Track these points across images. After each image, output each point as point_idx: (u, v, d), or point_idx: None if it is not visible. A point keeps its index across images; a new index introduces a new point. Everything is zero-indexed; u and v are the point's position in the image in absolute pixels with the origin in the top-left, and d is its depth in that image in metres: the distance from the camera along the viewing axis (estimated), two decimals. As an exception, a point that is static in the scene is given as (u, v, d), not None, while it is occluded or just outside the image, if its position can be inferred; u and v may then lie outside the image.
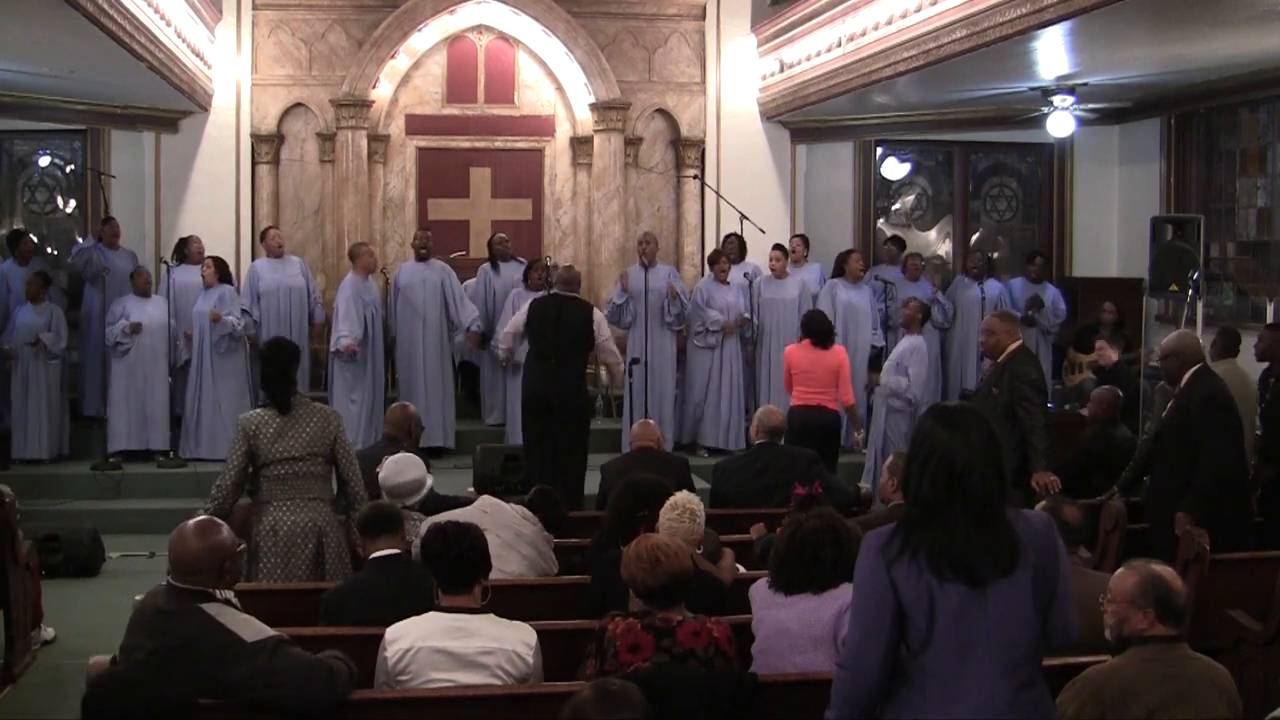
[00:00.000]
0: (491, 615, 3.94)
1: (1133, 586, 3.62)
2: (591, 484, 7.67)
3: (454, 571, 3.96)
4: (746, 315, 10.65)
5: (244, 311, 10.39)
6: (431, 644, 3.82)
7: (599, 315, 8.57)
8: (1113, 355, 9.49)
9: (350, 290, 10.38)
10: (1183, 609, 3.59)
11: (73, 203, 12.35)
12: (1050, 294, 11.56)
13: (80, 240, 11.47)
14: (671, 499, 4.84)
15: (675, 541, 4.06)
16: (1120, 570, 3.76)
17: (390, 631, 3.90)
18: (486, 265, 11.14)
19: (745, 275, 10.80)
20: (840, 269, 11.08)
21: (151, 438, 10.29)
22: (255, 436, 5.39)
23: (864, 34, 9.90)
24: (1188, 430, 6.00)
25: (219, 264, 10.52)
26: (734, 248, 11.09)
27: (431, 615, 3.91)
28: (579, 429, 8.33)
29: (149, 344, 10.25)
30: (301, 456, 5.40)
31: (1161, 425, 6.32)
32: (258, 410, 5.55)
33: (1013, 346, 6.91)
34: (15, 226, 11.87)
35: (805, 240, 11.60)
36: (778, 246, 11.01)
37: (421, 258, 10.72)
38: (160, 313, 10.34)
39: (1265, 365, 7.77)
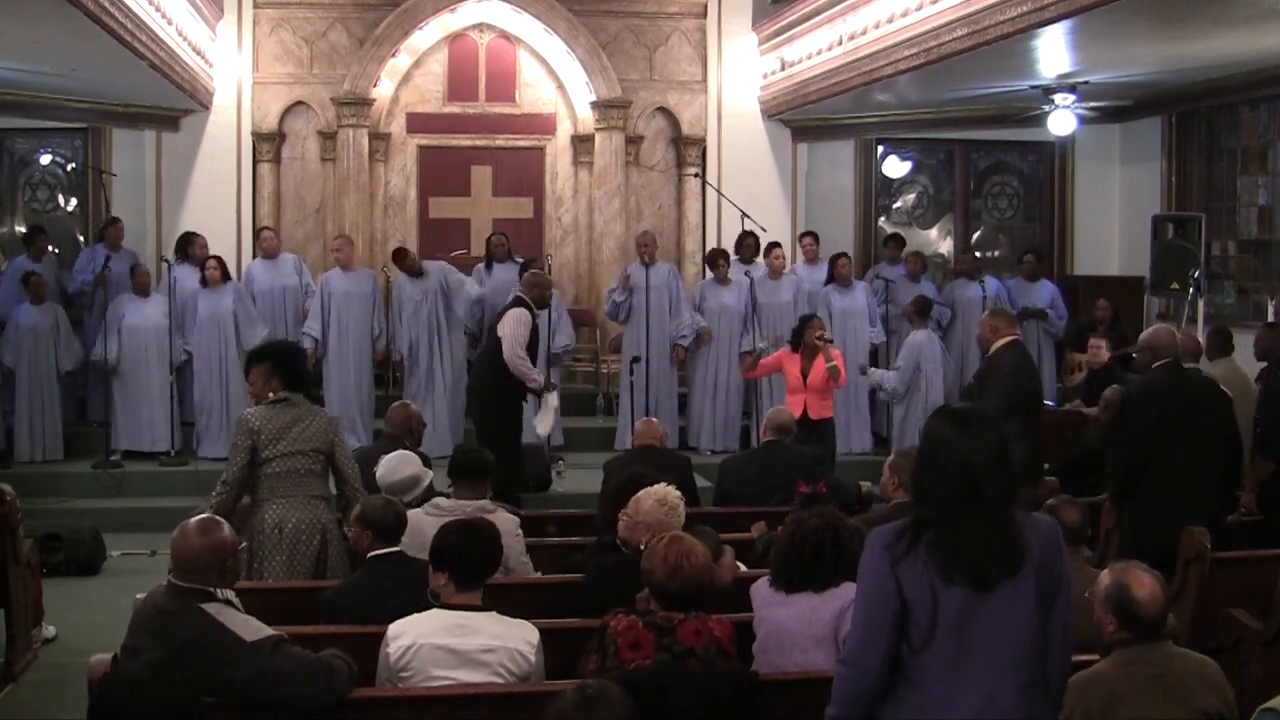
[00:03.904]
0: (494, 613, 3.95)
1: (1102, 591, 3.65)
2: (593, 482, 7.66)
3: (465, 568, 3.97)
4: (752, 347, 10.55)
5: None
6: (434, 641, 3.83)
7: (510, 327, 8.37)
8: (1104, 356, 9.43)
9: (319, 286, 10.54)
10: (1148, 617, 3.59)
11: (74, 201, 12.34)
12: (1047, 292, 11.54)
13: (81, 253, 11.34)
14: (663, 493, 4.85)
15: (705, 552, 4.05)
16: (1102, 573, 3.79)
17: (392, 628, 3.91)
18: (481, 266, 11.12)
19: (745, 274, 10.79)
20: (833, 274, 11.07)
21: (151, 439, 10.22)
22: (258, 433, 5.40)
23: (864, 32, 9.89)
24: None
25: (221, 263, 10.50)
26: (751, 248, 11.05)
27: (434, 612, 3.93)
28: (479, 424, 8.63)
29: (150, 345, 10.20)
30: (304, 452, 5.42)
31: None
32: (259, 407, 5.55)
33: (1002, 341, 6.93)
34: (17, 225, 11.89)
35: (816, 238, 11.57)
36: (776, 244, 11.00)
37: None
38: (158, 313, 10.29)
39: (1264, 364, 7.76)
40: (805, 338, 8.77)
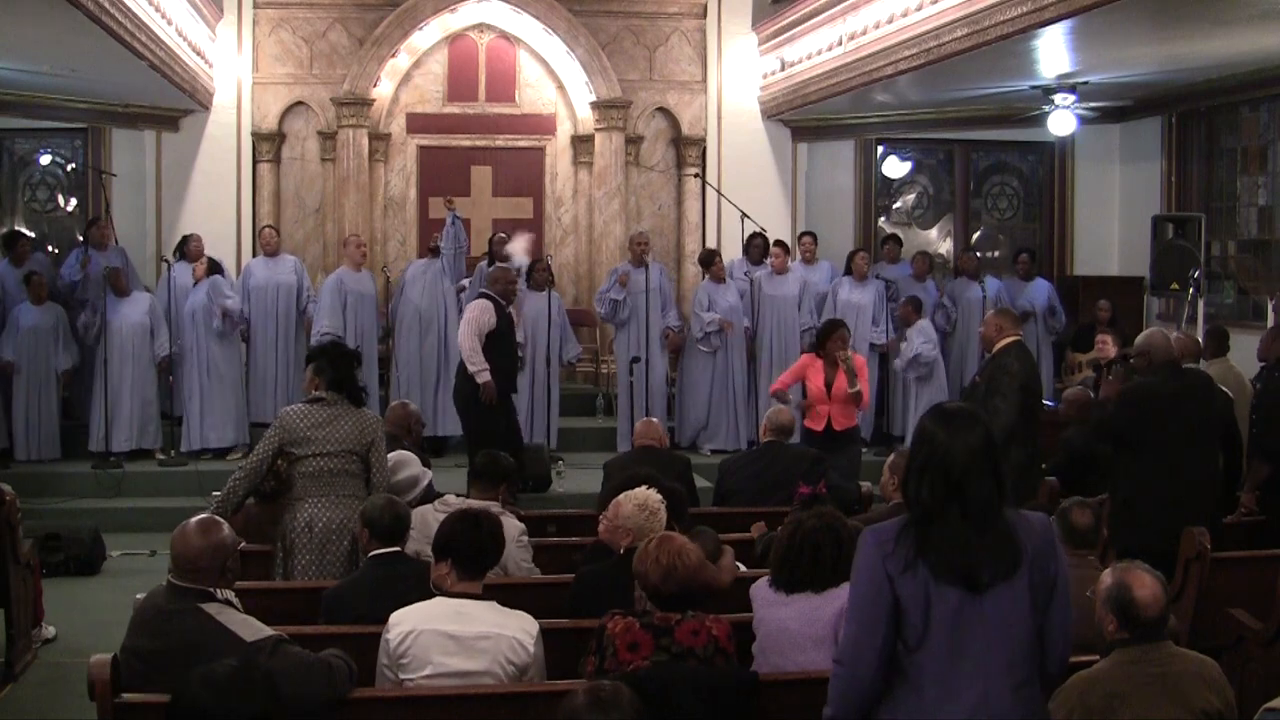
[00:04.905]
0: (494, 603, 3.97)
1: (1103, 591, 3.66)
2: (593, 482, 7.67)
3: (469, 557, 3.99)
4: (746, 324, 10.68)
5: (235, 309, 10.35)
6: (434, 627, 3.85)
7: (464, 326, 8.54)
8: (1111, 350, 9.43)
9: (331, 284, 10.51)
10: (1149, 617, 3.59)
11: (74, 201, 12.35)
12: (1043, 291, 11.54)
13: (71, 252, 11.21)
14: (643, 497, 4.80)
15: (697, 551, 4.04)
16: (1103, 573, 3.80)
17: (394, 616, 3.93)
18: (483, 264, 11.13)
19: (745, 273, 10.79)
20: (850, 267, 11.14)
21: (123, 437, 10.13)
22: (292, 429, 5.42)
23: (865, 33, 9.90)
24: None
25: (210, 263, 10.48)
26: (759, 249, 11.03)
27: (436, 600, 3.96)
28: (466, 427, 8.83)
29: (128, 345, 10.11)
30: (336, 453, 5.43)
31: None
32: (297, 405, 5.60)
33: (1004, 341, 6.94)
34: (16, 226, 11.86)
35: (815, 238, 11.60)
36: (779, 243, 11.01)
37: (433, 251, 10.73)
38: (136, 312, 10.21)
39: (1262, 364, 7.76)
40: (828, 347, 8.21)
